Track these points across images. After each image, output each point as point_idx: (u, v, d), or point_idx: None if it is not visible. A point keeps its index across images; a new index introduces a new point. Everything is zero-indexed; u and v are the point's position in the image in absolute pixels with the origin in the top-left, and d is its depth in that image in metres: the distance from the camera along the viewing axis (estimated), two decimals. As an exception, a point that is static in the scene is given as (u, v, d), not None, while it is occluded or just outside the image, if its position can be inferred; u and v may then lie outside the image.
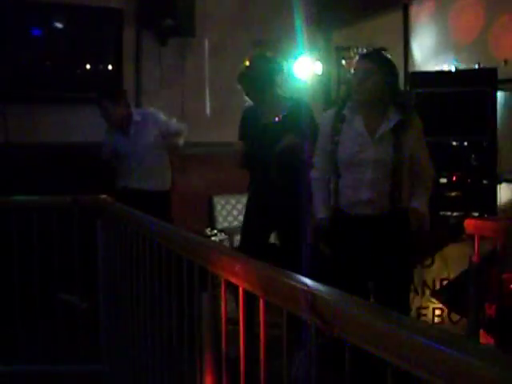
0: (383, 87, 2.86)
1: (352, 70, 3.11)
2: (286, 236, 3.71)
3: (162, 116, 4.50)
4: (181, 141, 4.52)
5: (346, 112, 2.96)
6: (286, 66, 3.76)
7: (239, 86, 3.72)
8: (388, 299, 2.84)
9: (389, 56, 2.96)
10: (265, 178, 3.66)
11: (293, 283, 1.45)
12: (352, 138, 2.91)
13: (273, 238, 4.05)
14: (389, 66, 2.92)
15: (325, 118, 3.11)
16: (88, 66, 5.66)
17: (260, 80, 3.64)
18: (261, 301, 1.62)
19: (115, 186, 4.44)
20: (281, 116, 3.65)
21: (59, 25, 5.53)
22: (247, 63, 3.71)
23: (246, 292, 1.73)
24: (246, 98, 3.74)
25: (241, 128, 3.86)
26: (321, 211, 3.08)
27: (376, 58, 2.93)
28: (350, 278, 2.91)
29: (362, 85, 2.86)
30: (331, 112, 3.07)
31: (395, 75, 2.95)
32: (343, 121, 2.95)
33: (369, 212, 2.89)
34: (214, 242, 4.30)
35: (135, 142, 4.37)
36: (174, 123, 4.51)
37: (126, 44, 5.77)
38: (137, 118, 4.41)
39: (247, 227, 3.87)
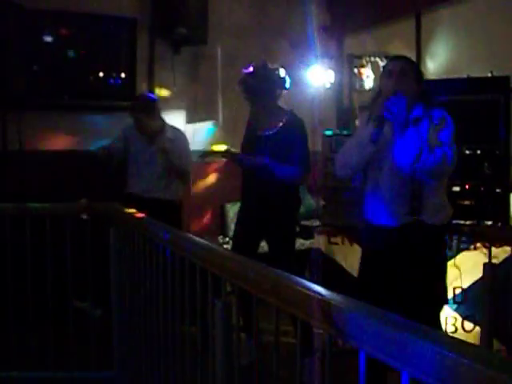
0: (416, 89, 2.79)
1: (381, 71, 2.98)
2: (276, 246, 3.73)
3: (189, 147, 4.49)
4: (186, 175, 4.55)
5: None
6: (288, 80, 3.76)
7: (239, 89, 3.75)
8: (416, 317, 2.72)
9: None
10: (256, 189, 3.68)
11: (307, 292, 1.45)
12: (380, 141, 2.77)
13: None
14: (418, 67, 2.92)
15: (361, 121, 3.02)
16: (101, 74, 5.70)
17: (260, 88, 3.66)
18: (275, 309, 1.63)
19: (126, 189, 4.45)
20: (275, 129, 3.66)
21: (73, 33, 5.58)
22: (251, 70, 3.73)
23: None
24: None
25: (244, 135, 3.92)
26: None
27: (410, 59, 2.92)
28: (376, 290, 2.80)
29: (398, 86, 2.75)
30: (364, 115, 2.98)
31: (423, 75, 2.89)
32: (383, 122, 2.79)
33: (388, 223, 2.78)
34: (228, 249, 4.30)
35: (156, 155, 4.35)
36: (187, 163, 4.46)
37: (140, 52, 5.81)
38: (170, 135, 4.41)
39: (238, 236, 3.92)
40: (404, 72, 2.78)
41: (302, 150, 3.63)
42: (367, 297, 2.49)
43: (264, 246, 3.92)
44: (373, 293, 2.78)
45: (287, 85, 3.75)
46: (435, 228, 2.78)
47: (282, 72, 3.74)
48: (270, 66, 3.74)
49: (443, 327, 3.88)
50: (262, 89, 3.65)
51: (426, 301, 2.80)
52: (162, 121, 4.48)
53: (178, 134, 4.48)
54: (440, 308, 3.03)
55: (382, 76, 2.91)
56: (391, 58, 2.97)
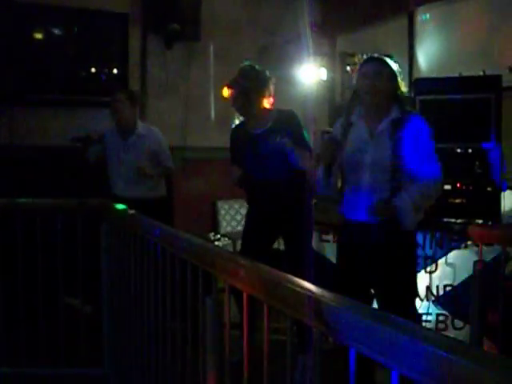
0: (390, 88, 2.89)
1: (355, 75, 3.10)
2: (292, 241, 3.71)
3: (164, 142, 4.52)
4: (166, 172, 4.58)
5: (353, 118, 2.98)
6: (274, 80, 3.76)
7: (227, 94, 3.73)
8: (391, 308, 2.78)
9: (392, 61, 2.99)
10: (264, 187, 3.66)
11: (297, 289, 1.45)
12: (353, 142, 2.91)
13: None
14: (391, 67, 2.94)
15: (335, 128, 3.09)
16: (93, 70, 5.69)
17: (248, 91, 3.65)
18: (265, 306, 1.63)
19: (109, 192, 4.44)
20: (267, 125, 3.66)
21: (65, 28, 5.56)
22: (237, 74, 3.72)
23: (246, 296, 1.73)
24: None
25: (231, 149, 3.87)
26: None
27: (383, 60, 2.95)
28: (350, 286, 2.88)
29: (374, 86, 2.86)
30: (340, 120, 3.07)
31: (396, 75, 2.94)
32: (350, 126, 2.97)
33: (367, 218, 2.85)
34: (219, 246, 4.30)
35: (129, 152, 4.39)
36: (167, 158, 4.52)
37: (132, 48, 5.80)
38: (142, 131, 4.43)
39: (248, 238, 3.86)
40: (378, 72, 2.87)
41: (300, 135, 3.60)
42: (342, 288, 2.54)
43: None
44: (347, 285, 2.87)
45: (273, 85, 3.74)
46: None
47: (267, 72, 3.74)
48: (256, 66, 3.74)
49: (434, 325, 3.90)
50: (250, 91, 3.64)
51: (401, 292, 2.89)
52: (136, 115, 4.50)
53: (151, 132, 4.49)
54: (414, 298, 3.16)
55: (357, 78, 3.00)
56: (365, 60, 3.03)
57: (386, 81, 2.88)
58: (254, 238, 3.78)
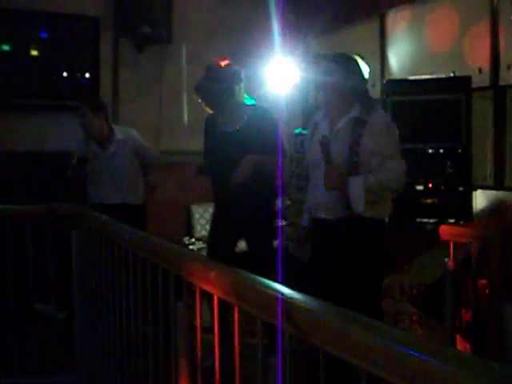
0: (344, 86, 2.87)
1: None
2: (256, 243, 3.69)
3: (140, 139, 4.45)
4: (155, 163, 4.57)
5: (317, 118, 3.05)
6: (244, 74, 3.68)
7: (197, 98, 3.64)
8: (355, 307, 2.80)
9: (357, 58, 3.01)
10: (227, 188, 3.62)
11: (268, 291, 1.44)
12: (315, 141, 2.92)
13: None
14: (349, 64, 2.94)
15: (308, 131, 3.15)
16: (65, 74, 5.63)
17: (219, 90, 3.55)
18: (235, 309, 1.61)
19: (88, 201, 4.34)
20: (240, 123, 3.59)
21: (36, 32, 5.49)
22: (205, 74, 3.63)
23: (221, 302, 1.72)
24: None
25: (204, 139, 3.83)
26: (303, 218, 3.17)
27: (335, 58, 2.95)
28: (321, 284, 2.90)
29: (322, 86, 2.91)
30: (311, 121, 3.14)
31: (357, 73, 2.94)
32: (316, 126, 3.02)
33: (324, 216, 2.89)
34: (189, 250, 4.27)
35: (113, 160, 4.27)
36: (151, 151, 4.50)
37: (103, 51, 5.75)
38: (119, 136, 4.29)
39: (213, 239, 3.85)
40: (328, 72, 2.88)
41: (270, 138, 3.52)
42: (312, 287, 2.54)
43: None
44: (316, 283, 2.90)
45: (242, 78, 3.65)
46: (372, 221, 2.85)
47: (236, 67, 3.64)
48: (222, 63, 3.63)
49: (407, 324, 3.91)
50: (221, 89, 3.56)
51: (362, 292, 2.88)
52: (107, 122, 4.31)
53: (128, 132, 4.39)
54: (378, 299, 3.10)
55: None
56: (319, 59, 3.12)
57: (340, 79, 2.85)
58: (218, 240, 3.76)
